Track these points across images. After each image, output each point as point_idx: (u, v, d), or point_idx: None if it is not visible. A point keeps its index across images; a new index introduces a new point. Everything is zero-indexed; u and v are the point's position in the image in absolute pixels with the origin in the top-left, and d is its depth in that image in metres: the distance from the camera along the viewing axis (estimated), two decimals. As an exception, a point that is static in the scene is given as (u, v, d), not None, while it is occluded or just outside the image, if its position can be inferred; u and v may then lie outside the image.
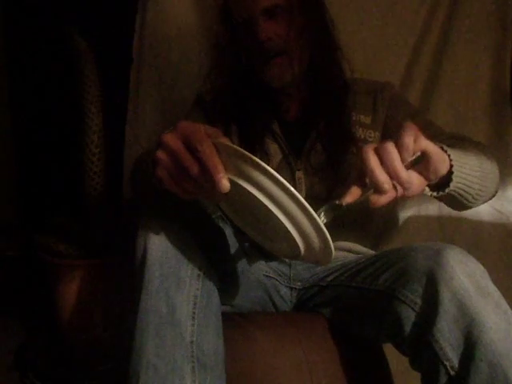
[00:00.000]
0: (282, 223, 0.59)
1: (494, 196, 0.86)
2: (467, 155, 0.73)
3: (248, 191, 0.58)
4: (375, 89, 1.04)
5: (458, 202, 0.77)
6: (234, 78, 1.03)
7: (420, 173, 0.64)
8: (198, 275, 0.72)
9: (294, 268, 0.98)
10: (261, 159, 0.56)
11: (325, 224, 0.59)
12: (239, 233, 0.93)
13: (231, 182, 0.58)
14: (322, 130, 0.99)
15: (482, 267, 0.70)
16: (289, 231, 0.60)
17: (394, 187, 0.61)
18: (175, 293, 0.69)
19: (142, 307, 0.68)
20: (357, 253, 1.01)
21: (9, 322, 1.51)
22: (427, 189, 0.69)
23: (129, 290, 0.73)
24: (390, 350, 0.84)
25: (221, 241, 0.81)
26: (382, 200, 0.61)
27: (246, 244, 0.94)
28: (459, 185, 0.71)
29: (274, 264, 0.98)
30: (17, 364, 1.31)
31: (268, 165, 0.56)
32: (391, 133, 0.98)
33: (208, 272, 0.73)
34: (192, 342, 0.68)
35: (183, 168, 0.59)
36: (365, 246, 1.03)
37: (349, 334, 0.88)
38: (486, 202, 0.85)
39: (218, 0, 1.04)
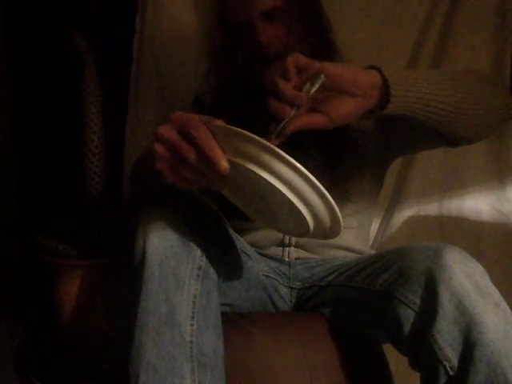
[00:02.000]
0: (286, 196, 0.58)
1: (501, 115, 0.82)
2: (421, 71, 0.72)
3: (248, 169, 0.57)
4: None
5: (434, 118, 0.74)
6: (232, 80, 1.03)
7: (343, 94, 0.66)
8: (198, 275, 0.72)
9: (294, 268, 0.98)
10: None
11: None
12: (239, 233, 0.93)
13: (231, 163, 0.58)
14: (318, 133, 0.99)
15: (481, 267, 0.70)
16: (293, 204, 0.59)
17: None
18: (174, 293, 0.69)
19: (141, 307, 0.68)
20: (356, 252, 1.01)
21: (9, 322, 1.51)
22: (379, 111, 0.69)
23: (128, 290, 0.73)
24: (389, 350, 0.84)
25: (221, 240, 0.81)
26: (297, 122, 0.67)
27: (246, 244, 0.94)
28: (406, 92, 0.68)
29: (273, 264, 0.98)
30: (17, 364, 1.31)
31: None
32: (383, 121, 0.97)
33: (207, 272, 0.73)
34: (191, 342, 0.68)
35: (181, 157, 0.60)
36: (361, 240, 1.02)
37: (349, 333, 0.88)
38: (485, 121, 0.79)
39: (217, 3, 1.04)
